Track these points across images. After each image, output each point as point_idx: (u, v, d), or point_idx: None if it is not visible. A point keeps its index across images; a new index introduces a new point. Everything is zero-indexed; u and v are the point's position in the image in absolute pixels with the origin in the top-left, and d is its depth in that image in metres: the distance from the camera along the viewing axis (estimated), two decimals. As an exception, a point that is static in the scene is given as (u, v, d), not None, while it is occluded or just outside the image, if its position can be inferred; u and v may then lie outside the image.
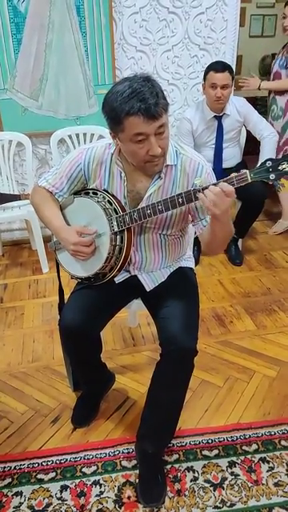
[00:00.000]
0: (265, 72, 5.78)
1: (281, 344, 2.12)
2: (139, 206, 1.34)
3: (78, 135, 2.87)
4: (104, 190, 1.40)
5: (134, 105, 1.13)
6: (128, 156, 1.30)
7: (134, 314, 2.22)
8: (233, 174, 1.15)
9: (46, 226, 1.48)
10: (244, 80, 2.94)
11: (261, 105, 5.24)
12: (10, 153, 2.84)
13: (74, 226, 1.42)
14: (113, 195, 1.39)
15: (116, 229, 1.35)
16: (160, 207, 1.27)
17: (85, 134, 2.87)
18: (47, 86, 2.79)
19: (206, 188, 1.17)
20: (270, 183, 1.16)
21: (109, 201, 1.38)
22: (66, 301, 1.55)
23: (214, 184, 1.17)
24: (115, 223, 1.35)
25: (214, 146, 2.68)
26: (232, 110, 2.62)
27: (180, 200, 1.24)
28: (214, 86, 2.48)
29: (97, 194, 1.41)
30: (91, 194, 1.42)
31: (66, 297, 1.56)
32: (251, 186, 2.80)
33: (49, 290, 2.65)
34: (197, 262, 2.83)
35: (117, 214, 1.36)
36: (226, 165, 2.71)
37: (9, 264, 3.02)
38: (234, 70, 3.09)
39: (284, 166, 1.11)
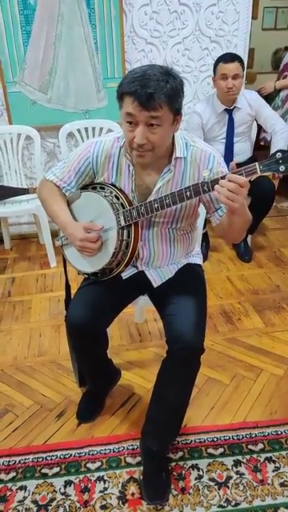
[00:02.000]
0: (277, 66, 5.69)
1: (289, 342, 2.10)
2: (147, 200, 1.32)
3: (86, 129, 2.85)
4: (111, 184, 1.39)
5: (132, 86, 1.14)
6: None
7: (141, 310, 2.21)
8: (237, 167, 1.13)
9: (53, 220, 1.47)
10: (261, 88, 3.11)
11: (271, 99, 5.17)
12: (19, 146, 2.83)
13: (81, 222, 1.40)
14: (120, 189, 1.38)
15: (123, 223, 1.34)
16: (168, 201, 1.26)
17: (94, 128, 2.85)
18: (56, 78, 2.77)
19: (215, 181, 1.15)
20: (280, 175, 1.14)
21: (116, 195, 1.36)
22: (72, 296, 1.54)
23: (223, 177, 1.14)
24: (122, 218, 1.34)
25: (224, 140, 2.65)
26: (243, 103, 2.58)
27: (188, 193, 1.22)
28: (224, 77, 2.46)
29: (104, 188, 1.39)
30: (98, 189, 1.40)
31: (73, 292, 1.55)
32: (261, 182, 2.77)
33: (56, 285, 2.65)
34: (205, 258, 2.81)
35: (124, 208, 1.34)
36: (236, 160, 2.67)
37: (17, 258, 3.02)
38: (246, 63, 3.06)
39: None
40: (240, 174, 1.12)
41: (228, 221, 1.28)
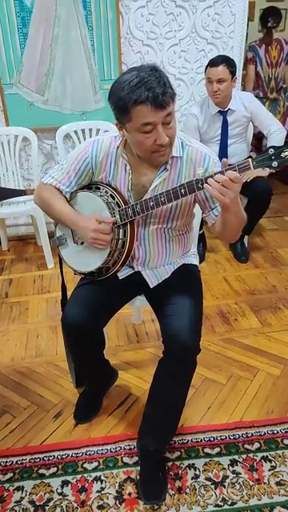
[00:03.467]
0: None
1: (285, 342, 2.10)
2: (143, 199, 1.33)
3: (83, 130, 2.86)
4: (107, 184, 1.40)
5: (141, 93, 1.13)
6: (134, 146, 1.28)
7: (138, 311, 2.21)
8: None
9: (60, 219, 1.45)
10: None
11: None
12: (16, 148, 2.84)
13: (93, 215, 1.37)
14: (115, 189, 1.38)
15: (119, 222, 1.35)
16: (163, 199, 1.26)
17: (90, 130, 2.86)
18: (53, 80, 2.78)
19: (210, 177, 1.15)
20: (273, 171, 1.15)
21: (111, 195, 1.37)
22: (69, 297, 1.54)
23: (217, 173, 1.15)
24: (118, 217, 1.34)
25: (219, 141, 2.66)
26: (238, 105, 2.59)
27: (182, 191, 1.23)
28: (210, 81, 2.50)
29: (99, 188, 1.40)
30: (94, 189, 1.41)
31: (70, 293, 1.56)
32: (257, 183, 2.79)
33: (53, 286, 2.65)
34: (202, 259, 2.82)
35: (119, 207, 1.35)
36: (232, 161, 2.68)
37: (14, 259, 3.03)
38: (242, 64, 3.07)
39: (286, 154, 1.10)
40: (234, 170, 1.13)
41: (223, 220, 1.29)
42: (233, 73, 2.47)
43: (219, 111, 2.59)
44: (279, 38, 3.52)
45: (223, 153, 2.67)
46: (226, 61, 2.45)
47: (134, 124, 1.19)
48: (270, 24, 3.45)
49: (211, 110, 2.60)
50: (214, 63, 2.45)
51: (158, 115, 1.16)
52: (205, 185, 1.16)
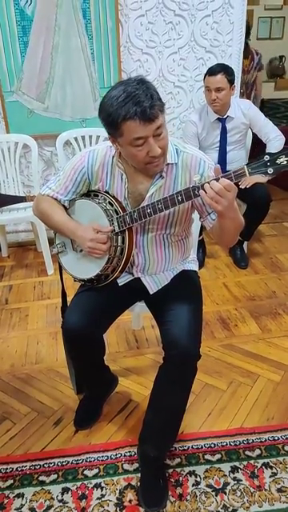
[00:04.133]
0: (272, 74, 5.79)
1: (286, 348, 2.10)
2: (140, 206, 1.34)
3: (83, 137, 2.88)
4: (105, 191, 1.41)
5: (129, 109, 1.14)
6: (128, 159, 1.30)
7: (138, 317, 2.22)
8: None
9: (59, 229, 1.47)
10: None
11: (268, 107, 5.25)
12: (16, 155, 2.85)
13: (91, 224, 1.39)
14: (113, 196, 1.39)
15: (117, 229, 1.35)
16: (160, 206, 1.27)
17: (90, 137, 2.88)
18: (53, 88, 2.80)
19: (206, 184, 1.16)
20: (269, 177, 1.16)
21: (109, 202, 1.38)
22: (69, 303, 1.55)
23: (213, 179, 1.16)
24: (116, 224, 1.35)
25: (218, 148, 2.68)
26: (237, 112, 2.62)
27: (179, 198, 1.23)
28: (208, 89, 2.52)
29: (97, 195, 1.41)
30: (92, 196, 1.42)
31: (70, 299, 1.56)
32: (256, 189, 2.79)
33: (53, 292, 2.66)
34: (202, 265, 2.83)
35: (117, 214, 1.36)
36: (231, 167, 2.70)
37: (14, 265, 3.03)
38: (241, 72, 3.10)
39: (281, 160, 1.10)
40: (229, 177, 1.14)
41: (220, 225, 1.29)
42: (231, 81, 2.49)
43: (218, 118, 2.62)
44: (251, 49, 3.83)
45: (222, 159, 2.69)
46: (224, 69, 2.47)
47: (125, 138, 1.20)
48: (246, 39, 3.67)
49: (210, 117, 2.63)
50: (212, 72, 2.48)
51: (148, 129, 1.17)
52: (200, 192, 1.17)
